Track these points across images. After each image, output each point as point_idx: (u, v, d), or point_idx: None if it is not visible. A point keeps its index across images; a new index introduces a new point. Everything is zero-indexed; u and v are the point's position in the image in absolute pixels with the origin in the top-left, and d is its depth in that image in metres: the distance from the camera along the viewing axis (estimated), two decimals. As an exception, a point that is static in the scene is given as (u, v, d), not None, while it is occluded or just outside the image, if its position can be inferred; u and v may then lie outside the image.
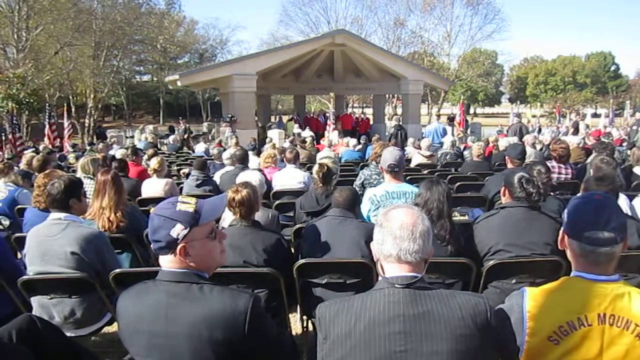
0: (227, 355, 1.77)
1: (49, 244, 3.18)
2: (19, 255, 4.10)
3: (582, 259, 1.75)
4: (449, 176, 7.43)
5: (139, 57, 43.88)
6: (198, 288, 1.81)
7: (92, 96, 33.54)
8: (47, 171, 4.67)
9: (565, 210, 1.82)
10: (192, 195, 3.83)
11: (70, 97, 33.82)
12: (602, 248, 1.68)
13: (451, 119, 23.10)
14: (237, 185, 3.44)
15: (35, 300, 3.28)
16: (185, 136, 19.65)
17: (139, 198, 5.90)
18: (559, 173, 6.13)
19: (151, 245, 1.86)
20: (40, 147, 13.94)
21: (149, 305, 1.80)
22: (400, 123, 17.81)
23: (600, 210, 1.71)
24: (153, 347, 1.79)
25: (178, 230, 1.79)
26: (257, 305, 1.82)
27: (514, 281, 3.10)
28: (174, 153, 14.58)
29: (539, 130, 22.54)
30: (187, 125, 21.86)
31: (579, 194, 2.88)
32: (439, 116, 22.96)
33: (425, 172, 8.34)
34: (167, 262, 1.85)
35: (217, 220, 3.36)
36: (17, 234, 4.14)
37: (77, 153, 11.95)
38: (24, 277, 3.18)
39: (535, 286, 1.84)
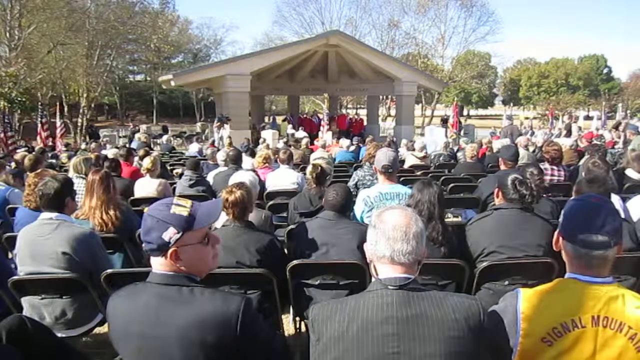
0: (218, 358, 1.75)
1: (40, 244, 3.16)
2: (9, 255, 4.07)
3: (575, 261, 1.75)
4: (442, 177, 7.44)
5: (132, 56, 43.82)
6: (189, 291, 1.78)
7: (85, 95, 33.37)
8: (37, 170, 4.63)
9: (562, 211, 1.82)
10: (186, 196, 3.80)
11: (63, 96, 33.59)
12: (596, 251, 1.68)
13: (444, 121, 23.19)
14: (232, 186, 3.43)
15: (25, 301, 3.25)
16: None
17: (132, 198, 5.87)
18: (552, 175, 6.16)
19: (142, 245, 1.83)
20: (36, 147, 13.85)
21: (140, 308, 1.78)
22: (394, 139, 17.45)
23: (595, 214, 1.71)
24: (144, 350, 1.77)
25: (170, 234, 1.75)
26: (249, 307, 1.79)
27: (506, 282, 3.10)
28: (167, 153, 14.54)
29: (532, 133, 22.66)
30: (137, 127, 22.04)
31: (576, 196, 2.88)
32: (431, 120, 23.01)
33: (419, 173, 8.34)
34: (158, 264, 1.82)
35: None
36: (7, 234, 4.11)
37: (69, 152, 11.88)
38: (15, 277, 3.16)
39: (528, 287, 1.84)
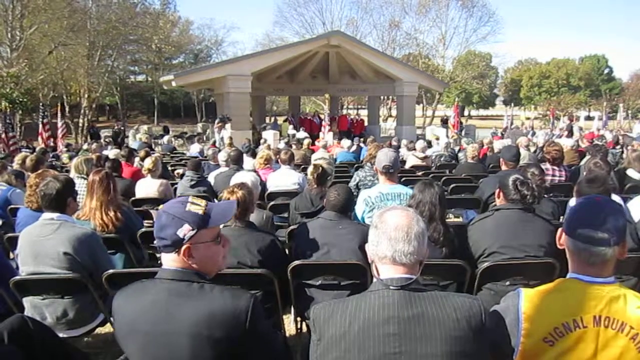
0: (225, 354, 1.77)
1: (42, 244, 3.16)
2: (11, 256, 4.07)
3: (576, 257, 1.75)
4: (444, 178, 7.45)
5: (133, 57, 43.73)
6: (199, 287, 1.81)
7: (86, 96, 33.39)
8: (39, 171, 4.62)
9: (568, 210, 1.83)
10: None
11: (64, 97, 33.61)
12: (595, 247, 1.68)
13: (444, 121, 23.20)
14: (233, 186, 3.43)
15: (27, 301, 3.25)
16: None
17: (133, 198, 5.88)
18: (553, 175, 6.16)
19: (154, 242, 1.85)
20: (37, 148, 13.85)
21: (148, 304, 1.80)
22: (399, 140, 17.28)
23: (598, 211, 1.72)
24: (150, 346, 1.78)
25: (185, 231, 1.79)
26: (257, 305, 1.83)
27: (508, 283, 3.10)
28: (168, 153, 14.54)
29: (533, 133, 22.67)
30: (122, 127, 22.20)
31: (580, 196, 2.89)
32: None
33: (420, 173, 8.35)
34: (170, 261, 1.85)
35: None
36: (9, 234, 4.11)
37: (70, 153, 11.89)
38: (16, 277, 3.16)
39: (530, 288, 1.84)
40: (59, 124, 17.72)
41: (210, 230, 1.86)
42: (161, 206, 1.89)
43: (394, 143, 13.33)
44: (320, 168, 4.97)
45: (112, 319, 3.35)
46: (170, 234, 1.79)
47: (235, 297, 1.80)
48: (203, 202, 1.89)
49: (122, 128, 22.89)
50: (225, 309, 1.76)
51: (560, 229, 1.84)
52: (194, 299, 1.78)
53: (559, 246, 1.86)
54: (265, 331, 1.91)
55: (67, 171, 7.43)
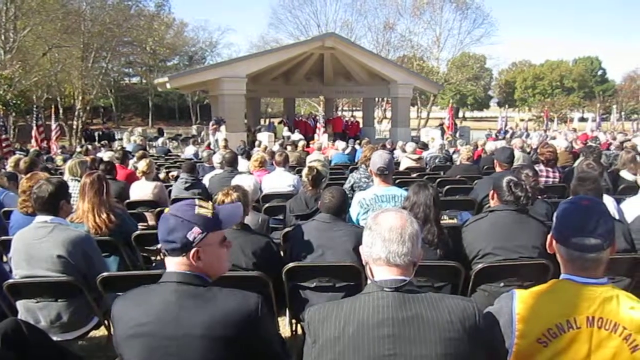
0: (234, 354, 1.79)
1: (35, 248, 3.14)
2: (4, 259, 4.05)
3: (570, 263, 1.75)
4: (438, 179, 7.46)
5: (128, 59, 43.64)
6: (207, 290, 1.83)
7: (80, 98, 33.24)
8: (28, 175, 4.57)
9: (554, 214, 1.83)
10: (182, 199, 3.81)
11: (58, 99, 33.50)
12: (589, 254, 1.69)
13: (441, 125, 23.28)
14: (228, 188, 3.43)
15: (21, 304, 3.23)
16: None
17: (127, 201, 5.85)
18: (547, 177, 6.18)
19: (159, 245, 1.85)
20: (31, 150, 13.78)
21: (155, 307, 1.79)
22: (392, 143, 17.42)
23: (588, 216, 1.72)
24: (157, 349, 1.77)
25: (195, 234, 1.80)
26: (264, 304, 1.86)
27: (502, 284, 3.11)
28: (163, 156, 14.51)
29: (527, 134, 22.77)
30: (109, 130, 22.42)
31: (567, 198, 2.90)
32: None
33: (414, 175, 8.35)
34: (176, 264, 1.85)
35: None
36: (2, 237, 4.09)
37: (64, 155, 11.84)
38: (10, 280, 3.14)
39: (524, 289, 1.85)
40: (53, 126, 17.62)
41: (217, 233, 1.88)
42: (167, 209, 1.88)
43: (388, 145, 13.36)
44: (315, 170, 4.97)
45: (106, 322, 3.34)
46: (180, 237, 1.79)
47: (245, 298, 1.84)
48: (210, 205, 1.90)
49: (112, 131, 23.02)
50: (238, 310, 1.79)
51: (549, 235, 1.85)
52: (206, 301, 1.79)
53: (549, 251, 1.87)
54: (270, 330, 1.96)
55: (62, 174, 7.41)
